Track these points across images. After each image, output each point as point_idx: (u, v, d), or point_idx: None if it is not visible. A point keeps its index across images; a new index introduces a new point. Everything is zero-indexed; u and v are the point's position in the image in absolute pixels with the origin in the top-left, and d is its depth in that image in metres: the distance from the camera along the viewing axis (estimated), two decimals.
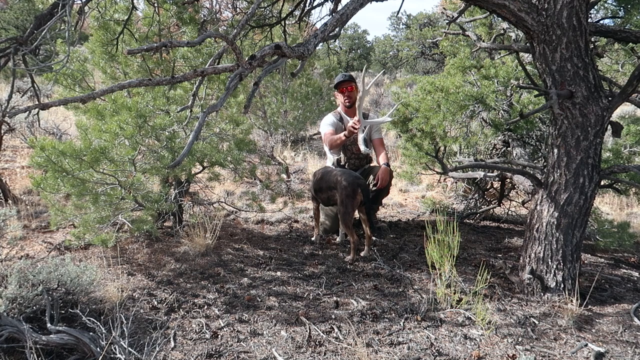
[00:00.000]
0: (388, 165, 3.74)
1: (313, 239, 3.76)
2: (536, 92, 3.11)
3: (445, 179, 5.49)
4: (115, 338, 1.98)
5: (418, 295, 2.75)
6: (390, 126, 4.05)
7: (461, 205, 4.76)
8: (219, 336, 2.25)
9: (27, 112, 1.89)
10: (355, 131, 3.44)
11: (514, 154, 3.74)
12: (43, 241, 3.47)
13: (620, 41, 2.73)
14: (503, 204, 4.41)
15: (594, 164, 2.54)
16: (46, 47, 11.22)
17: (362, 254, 3.39)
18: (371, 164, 4.06)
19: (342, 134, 3.62)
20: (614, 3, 3.32)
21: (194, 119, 3.16)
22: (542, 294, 2.68)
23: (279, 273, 3.07)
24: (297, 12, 3.84)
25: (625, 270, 3.32)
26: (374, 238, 3.71)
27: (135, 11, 3.49)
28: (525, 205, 4.46)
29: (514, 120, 3.01)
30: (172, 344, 2.17)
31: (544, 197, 2.66)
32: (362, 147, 3.35)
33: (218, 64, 2.64)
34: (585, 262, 3.47)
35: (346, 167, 3.86)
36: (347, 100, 3.83)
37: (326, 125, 3.88)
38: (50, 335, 1.97)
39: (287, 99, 7.50)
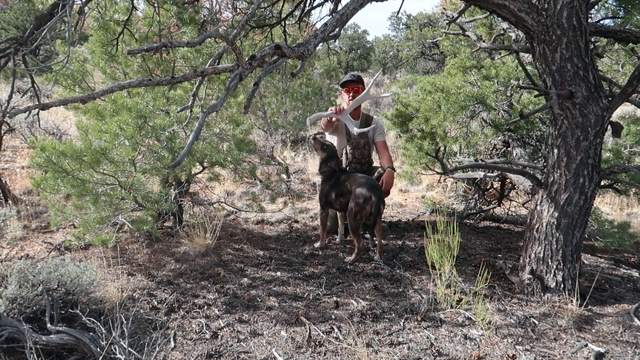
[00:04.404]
0: (393, 168, 3.72)
1: (317, 245, 3.60)
2: (536, 92, 3.11)
3: (445, 179, 5.49)
4: (115, 338, 1.98)
5: (418, 295, 2.75)
6: (391, 126, 4.06)
7: (461, 205, 4.75)
8: (219, 336, 2.25)
9: (27, 112, 1.89)
10: (336, 118, 3.51)
11: (514, 154, 3.74)
12: (43, 241, 3.47)
13: (620, 41, 2.73)
14: (503, 204, 4.41)
15: (594, 164, 2.54)
16: (46, 48, 11.22)
17: (375, 257, 3.32)
18: (372, 165, 4.06)
19: (326, 113, 3.59)
20: (614, 3, 3.32)
21: (194, 119, 3.16)
22: (542, 294, 2.68)
23: (279, 273, 3.07)
24: (297, 12, 3.84)
25: (625, 270, 3.32)
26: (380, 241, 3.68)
27: (135, 11, 3.49)
28: (525, 205, 4.46)
29: (514, 121, 3.01)
30: (172, 344, 2.17)
31: (544, 197, 2.66)
32: (355, 130, 3.32)
33: (218, 64, 2.63)
34: (585, 262, 3.47)
35: (348, 169, 3.86)
36: (351, 101, 3.84)
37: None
38: (50, 336, 1.97)
39: (287, 99, 7.50)
